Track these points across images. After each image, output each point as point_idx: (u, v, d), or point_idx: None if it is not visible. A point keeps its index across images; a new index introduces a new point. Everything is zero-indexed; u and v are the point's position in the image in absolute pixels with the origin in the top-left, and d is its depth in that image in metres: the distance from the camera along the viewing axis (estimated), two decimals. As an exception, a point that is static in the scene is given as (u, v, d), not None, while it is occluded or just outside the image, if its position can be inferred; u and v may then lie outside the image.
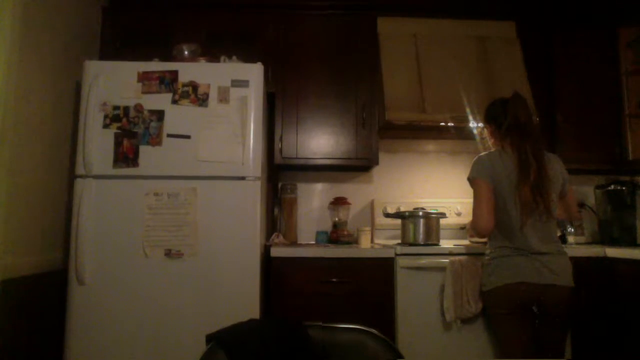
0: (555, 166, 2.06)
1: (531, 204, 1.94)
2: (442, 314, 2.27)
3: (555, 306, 1.95)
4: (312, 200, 3.07)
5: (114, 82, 2.15)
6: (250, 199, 2.15)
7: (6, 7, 1.81)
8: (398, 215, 2.65)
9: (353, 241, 2.77)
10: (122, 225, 2.08)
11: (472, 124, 2.61)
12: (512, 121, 2.03)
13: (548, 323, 1.97)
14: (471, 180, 2.07)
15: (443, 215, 2.62)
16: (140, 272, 2.06)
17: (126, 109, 2.14)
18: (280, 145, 2.71)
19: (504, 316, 1.99)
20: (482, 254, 2.14)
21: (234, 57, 2.37)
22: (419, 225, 2.54)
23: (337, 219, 2.91)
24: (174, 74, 2.18)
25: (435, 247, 2.45)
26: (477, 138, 2.69)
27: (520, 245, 1.96)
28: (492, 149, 2.12)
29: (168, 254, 2.08)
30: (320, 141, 2.73)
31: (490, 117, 2.17)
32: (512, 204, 1.97)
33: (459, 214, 2.94)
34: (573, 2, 2.89)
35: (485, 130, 2.24)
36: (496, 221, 2.00)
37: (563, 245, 2.08)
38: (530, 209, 1.94)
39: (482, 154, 2.10)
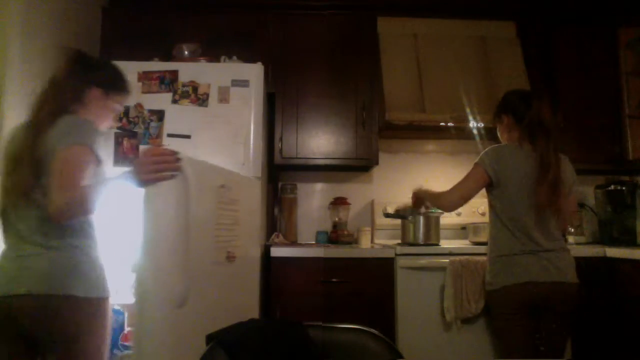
0: (566, 167, 2.04)
1: (545, 203, 1.92)
2: (442, 314, 2.27)
3: (562, 304, 1.94)
4: (312, 200, 3.07)
5: (114, 82, 2.15)
6: (250, 199, 2.14)
7: (6, 8, 1.82)
8: (398, 215, 2.65)
9: (353, 241, 2.76)
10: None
11: (472, 123, 2.61)
12: (536, 118, 1.99)
13: (552, 321, 1.96)
14: (474, 165, 2.04)
15: (443, 215, 2.62)
16: (140, 272, 2.06)
17: (126, 108, 2.14)
18: (280, 145, 2.71)
19: (509, 315, 1.97)
20: (483, 254, 2.14)
21: (234, 57, 2.37)
22: (419, 225, 2.54)
23: (337, 219, 2.91)
24: (174, 74, 2.18)
25: (435, 247, 2.45)
26: (477, 138, 2.69)
27: (528, 243, 1.95)
28: (503, 143, 2.08)
29: (168, 254, 2.07)
30: (320, 141, 2.73)
31: (509, 108, 2.08)
32: (522, 201, 1.95)
33: (459, 214, 2.93)
34: (573, 2, 2.89)
35: (497, 120, 2.14)
36: (504, 218, 1.98)
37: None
38: (543, 207, 1.93)
39: (500, 144, 2.07)
